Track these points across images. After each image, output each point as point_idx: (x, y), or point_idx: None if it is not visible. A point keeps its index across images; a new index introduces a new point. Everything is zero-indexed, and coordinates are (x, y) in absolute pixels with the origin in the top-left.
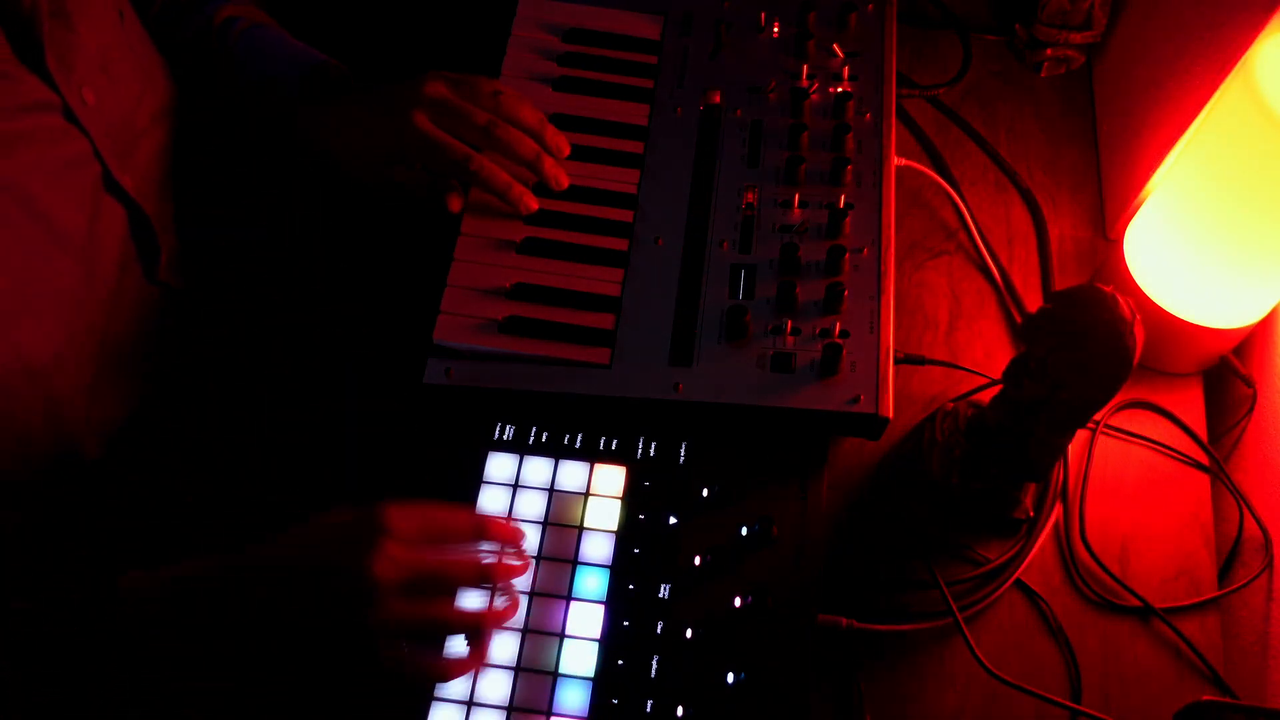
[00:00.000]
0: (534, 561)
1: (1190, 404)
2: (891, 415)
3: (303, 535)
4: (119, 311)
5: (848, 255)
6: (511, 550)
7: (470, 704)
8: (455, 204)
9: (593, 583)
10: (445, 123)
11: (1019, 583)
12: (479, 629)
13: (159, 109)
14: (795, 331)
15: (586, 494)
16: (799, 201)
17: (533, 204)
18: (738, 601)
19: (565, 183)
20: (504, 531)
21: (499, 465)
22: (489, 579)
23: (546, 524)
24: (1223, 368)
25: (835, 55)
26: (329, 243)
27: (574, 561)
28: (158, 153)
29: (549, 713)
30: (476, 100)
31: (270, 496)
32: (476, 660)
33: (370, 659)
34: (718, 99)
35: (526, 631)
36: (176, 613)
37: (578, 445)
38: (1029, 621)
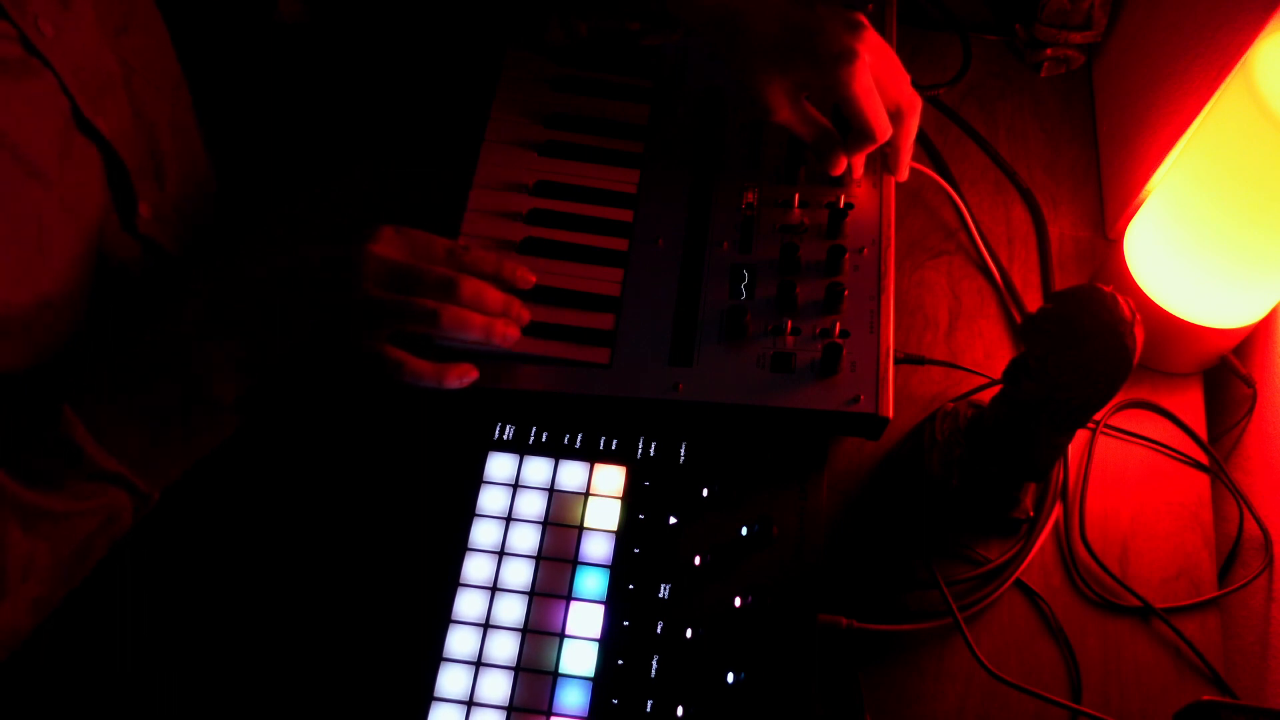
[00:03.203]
0: (534, 561)
1: (1190, 404)
2: (891, 415)
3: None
4: (104, 259)
5: (848, 255)
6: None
7: (470, 704)
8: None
9: (593, 583)
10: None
11: (1019, 583)
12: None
13: (142, 56)
14: (795, 331)
15: (586, 494)
16: (799, 201)
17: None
18: (738, 601)
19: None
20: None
21: (499, 465)
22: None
23: (546, 524)
24: (1223, 368)
25: None
26: None
27: (574, 561)
28: (144, 104)
29: (549, 713)
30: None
31: (266, 498)
32: (460, 371)
33: (353, 339)
34: (718, 98)
35: (526, 631)
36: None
37: (578, 445)
38: (1029, 621)
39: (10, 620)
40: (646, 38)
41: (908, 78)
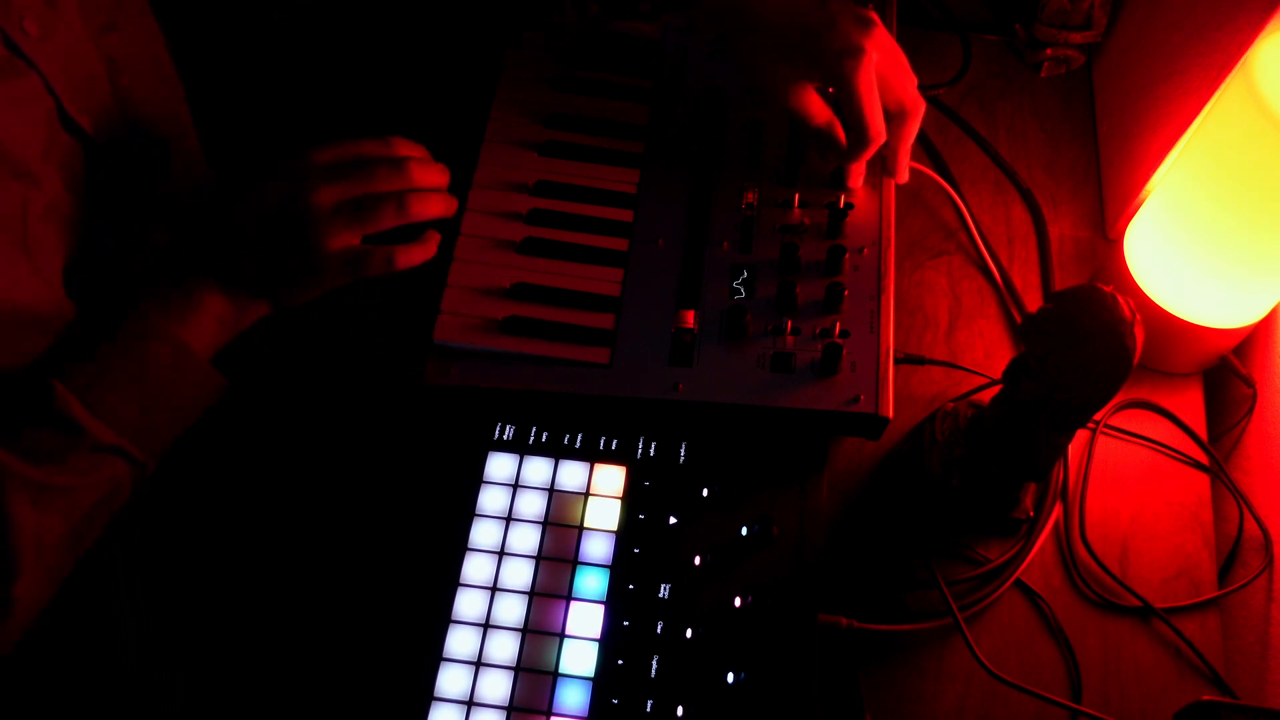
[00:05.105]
0: (534, 561)
1: (1190, 404)
2: (891, 415)
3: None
4: (97, 257)
5: (848, 255)
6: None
7: (470, 704)
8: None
9: (593, 583)
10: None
11: (1019, 583)
12: (405, 194)
13: (131, 53)
14: (795, 331)
15: (586, 494)
16: (799, 201)
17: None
18: (738, 601)
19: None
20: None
21: (499, 465)
22: (398, 168)
23: (546, 524)
24: (1223, 368)
25: None
26: None
27: (574, 561)
28: (132, 101)
29: (549, 713)
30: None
31: (267, 498)
32: (419, 251)
33: (316, 241)
34: (718, 98)
35: (526, 631)
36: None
37: (578, 445)
38: (1029, 621)
39: (30, 593)
40: (658, 16)
41: (914, 80)
